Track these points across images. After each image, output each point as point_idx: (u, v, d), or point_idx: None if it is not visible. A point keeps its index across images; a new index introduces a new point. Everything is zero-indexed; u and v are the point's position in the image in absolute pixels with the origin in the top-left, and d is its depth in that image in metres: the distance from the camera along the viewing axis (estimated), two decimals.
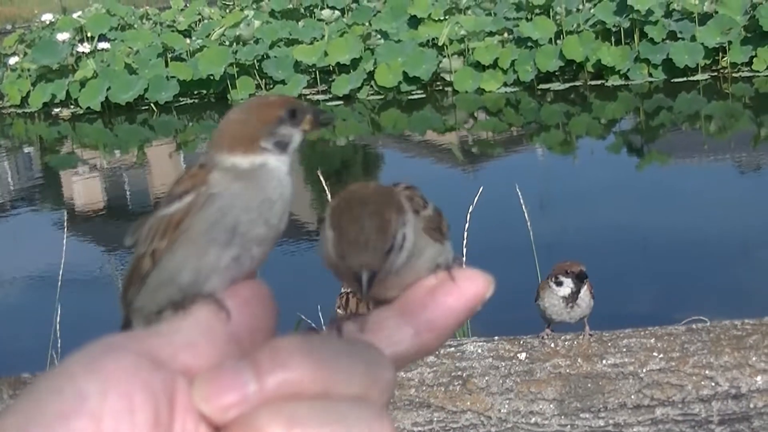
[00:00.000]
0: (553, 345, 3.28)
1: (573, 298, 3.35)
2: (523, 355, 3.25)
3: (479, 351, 3.28)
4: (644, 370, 3.14)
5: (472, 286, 0.71)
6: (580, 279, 3.36)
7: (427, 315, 0.70)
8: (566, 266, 3.43)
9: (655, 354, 3.17)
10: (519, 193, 4.39)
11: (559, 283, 3.38)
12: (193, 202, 0.70)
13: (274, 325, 0.65)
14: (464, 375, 3.23)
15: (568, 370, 3.19)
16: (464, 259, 4.06)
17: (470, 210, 4.19)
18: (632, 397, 3.11)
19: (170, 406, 0.57)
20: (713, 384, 3.07)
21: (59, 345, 4.17)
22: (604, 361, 3.19)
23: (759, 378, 3.05)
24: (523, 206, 4.30)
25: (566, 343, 3.28)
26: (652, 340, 3.22)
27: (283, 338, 0.61)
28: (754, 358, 3.08)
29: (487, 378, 3.21)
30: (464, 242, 4.15)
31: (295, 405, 0.58)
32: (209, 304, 0.64)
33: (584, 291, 3.38)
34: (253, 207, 0.70)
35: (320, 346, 0.61)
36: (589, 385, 3.16)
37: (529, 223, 4.23)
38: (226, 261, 0.69)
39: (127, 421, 0.55)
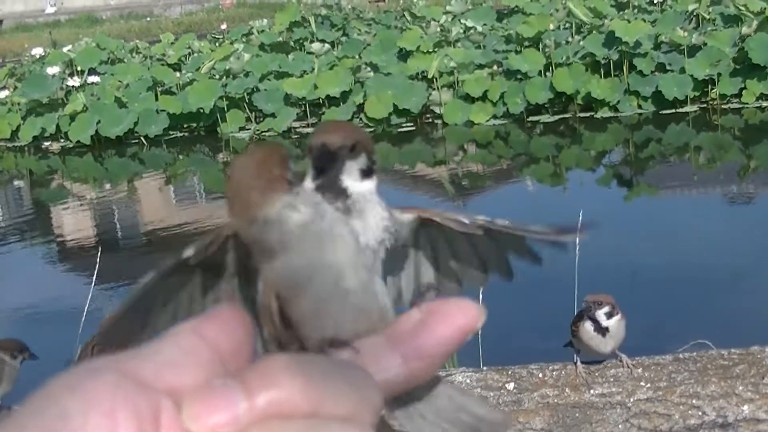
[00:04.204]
0: (541, 375, 3.28)
1: (607, 330, 3.37)
2: (511, 386, 3.25)
3: (468, 381, 3.28)
4: (632, 400, 3.14)
5: (463, 316, 0.72)
6: (610, 315, 3.39)
7: (417, 342, 0.71)
8: (598, 299, 3.46)
9: (642, 384, 3.17)
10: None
11: (594, 317, 3.40)
12: None
13: (254, 348, 0.66)
14: None
15: (556, 400, 3.19)
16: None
17: None
18: (620, 426, 3.11)
19: (154, 425, 0.57)
20: (700, 413, 3.07)
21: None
22: (591, 391, 3.19)
23: (745, 407, 3.05)
24: None
25: (554, 373, 3.28)
26: (640, 370, 3.22)
27: (272, 357, 0.61)
28: (740, 388, 3.09)
29: None
30: None
31: (285, 424, 0.58)
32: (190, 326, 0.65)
33: (616, 321, 3.40)
34: None
35: (309, 365, 0.61)
36: (577, 414, 3.15)
37: None
38: None
39: None
